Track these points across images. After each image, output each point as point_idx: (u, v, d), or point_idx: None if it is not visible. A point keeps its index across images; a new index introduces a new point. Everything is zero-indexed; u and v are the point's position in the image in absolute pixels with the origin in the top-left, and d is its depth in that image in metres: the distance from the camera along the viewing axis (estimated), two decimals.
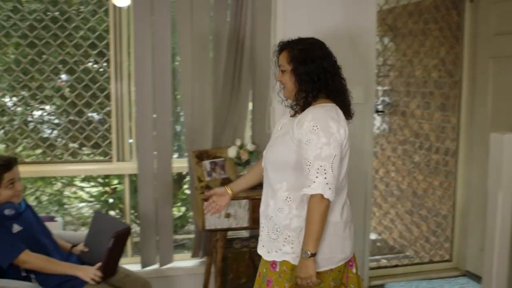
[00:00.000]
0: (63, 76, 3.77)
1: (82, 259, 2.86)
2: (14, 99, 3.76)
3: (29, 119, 3.76)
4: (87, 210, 4.64)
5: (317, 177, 2.15)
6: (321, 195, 2.15)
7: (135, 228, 3.94)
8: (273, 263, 2.32)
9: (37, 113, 3.82)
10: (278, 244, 2.30)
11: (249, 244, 3.59)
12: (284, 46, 2.33)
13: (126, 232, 2.77)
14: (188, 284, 3.75)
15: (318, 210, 2.16)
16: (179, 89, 3.67)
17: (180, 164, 3.74)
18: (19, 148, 3.87)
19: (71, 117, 3.74)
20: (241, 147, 3.47)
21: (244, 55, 3.49)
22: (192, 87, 3.49)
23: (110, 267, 2.74)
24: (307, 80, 2.25)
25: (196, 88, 3.50)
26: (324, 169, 2.15)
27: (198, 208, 3.33)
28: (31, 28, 3.55)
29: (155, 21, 3.39)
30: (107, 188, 4.59)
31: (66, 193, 4.63)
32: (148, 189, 3.54)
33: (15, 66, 3.58)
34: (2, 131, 3.73)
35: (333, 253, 2.32)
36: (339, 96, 2.31)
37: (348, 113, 2.36)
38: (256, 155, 3.54)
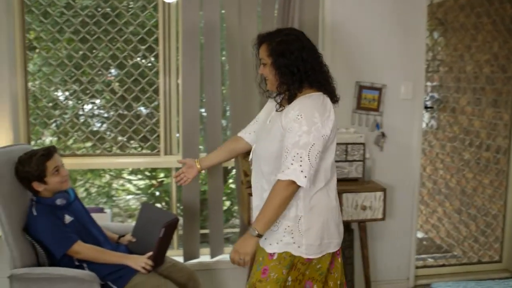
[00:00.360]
0: (113, 71, 3.84)
1: (130, 249, 2.92)
2: (66, 93, 3.85)
3: (80, 112, 3.86)
4: (134, 202, 4.73)
5: (292, 163, 2.15)
6: (290, 182, 2.15)
7: (181, 221, 3.97)
8: (272, 253, 2.33)
9: (87, 107, 3.91)
10: (278, 235, 2.31)
11: None
12: (263, 39, 2.33)
13: (175, 223, 2.81)
14: (231, 278, 3.78)
15: (281, 195, 2.18)
16: (226, 84, 3.68)
17: None
18: (70, 141, 3.97)
19: (120, 111, 3.81)
20: None
21: None
22: (238, 81, 3.50)
23: (159, 257, 2.79)
24: (287, 73, 2.25)
25: (242, 83, 3.51)
26: (300, 157, 2.15)
27: (244, 202, 3.35)
28: (83, 24, 3.64)
29: (204, 16, 3.41)
30: (153, 181, 4.66)
31: (114, 185, 4.72)
32: (192, 183, 3.56)
33: (67, 61, 3.68)
34: (54, 124, 3.84)
35: (330, 238, 2.37)
36: (323, 85, 2.31)
37: (333, 99, 2.36)
38: None
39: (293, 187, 2.18)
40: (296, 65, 2.24)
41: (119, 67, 3.77)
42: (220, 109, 3.54)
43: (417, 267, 4.08)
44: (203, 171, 2.93)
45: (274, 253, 2.33)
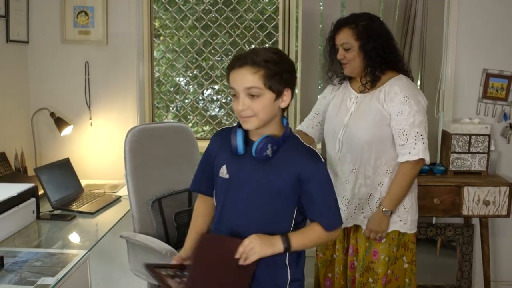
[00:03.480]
0: (231, 57, 3.94)
1: None
2: (188, 78, 4.01)
3: (200, 97, 4.00)
4: None
5: (416, 143, 2.28)
6: (418, 160, 2.29)
7: None
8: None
9: (207, 92, 4.05)
10: None
11: None
12: (344, 23, 2.35)
13: None
14: None
15: (411, 175, 2.32)
16: None
17: None
18: (190, 124, 4.14)
19: None
20: None
21: (415, 35, 3.36)
22: None
23: None
24: (375, 55, 2.30)
25: None
26: (421, 135, 2.29)
27: None
28: (205, 11, 3.76)
29: (323, 4, 3.39)
30: None
31: None
32: None
33: (190, 47, 3.83)
34: (175, 108, 4.02)
35: (416, 215, 2.49)
36: (402, 67, 2.41)
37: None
38: None
39: (420, 165, 2.33)
40: (383, 48, 2.31)
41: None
42: None
43: None
44: None
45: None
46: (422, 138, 2.29)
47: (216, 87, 4.00)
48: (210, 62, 3.86)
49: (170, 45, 3.89)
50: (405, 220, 2.41)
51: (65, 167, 3.16)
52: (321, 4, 3.43)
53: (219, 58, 3.86)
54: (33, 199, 2.63)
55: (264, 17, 3.76)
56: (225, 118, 4.02)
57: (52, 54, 3.60)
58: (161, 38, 3.94)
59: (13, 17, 3.34)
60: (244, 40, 3.79)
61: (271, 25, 3.75)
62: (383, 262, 2.41)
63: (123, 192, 3.25)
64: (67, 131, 3.53)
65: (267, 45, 3.83)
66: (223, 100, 3.98)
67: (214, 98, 4.05)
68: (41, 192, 2.81)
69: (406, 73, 2.41)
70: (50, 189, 2.89)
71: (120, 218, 2.78)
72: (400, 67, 2.39)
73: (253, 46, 3.82)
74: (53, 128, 3.56)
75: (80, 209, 2.85)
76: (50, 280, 1.93)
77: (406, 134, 2.29)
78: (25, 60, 3.59)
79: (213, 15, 3.76)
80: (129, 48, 3.57)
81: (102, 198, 3.08)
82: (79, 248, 2.30)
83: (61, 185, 3.02)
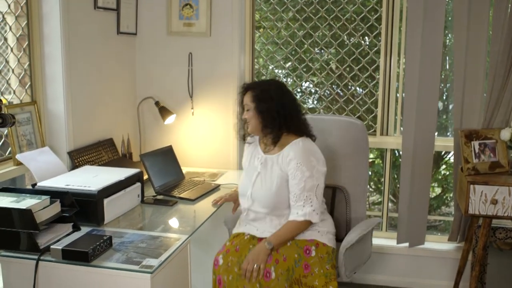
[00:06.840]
0: (331, 50, 3.89)
1: None
2: (287, 70, 4.02)
3: (298, 89, 4.00)
4: None
5: (304, 206, 2.49)
6: (306, 221, 2.49)
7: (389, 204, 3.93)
8: (307, 249, 2.53)
9: (305, 85, 4.04)
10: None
11: None
12: (248, 87, 2.61)
13: None
14: (438, 267, 3.64)
15: (298, 230, 2.52)
16: (452, 66, 3.49)
17: (438, 142, 3.60)
18: None
19: (338, 90, 3.86)
20: None
21: None
22: (465, 64, 3.30)
23: None
24: (269, 116, 2.52)
25: (469, 65, 3.30)
26: (310, 199, 2.49)
27: (462, 190, 3.17)
28: (306, 3, 3.75)
29: None
30: None
31: None
32: (408, 166, 3.49)
33: (290, 39, 3.83)
34: None
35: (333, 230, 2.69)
36: (301, 130, 2.60)
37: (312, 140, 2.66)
38: None
39: (306, 225, 2.53)
40: (277, 110, 2.52)
41: (339, 46, 3.81)
42: (437, 91, 3.38)
43: None
44: None
45: (309, 250, 2.54)
46: (311, 202, 2.49)
47: (315, 79, 3.98)
48: (309, 55, 3.84)
49: (271, 37, 3.91)
50: (322, 231, 2.59)
51: (168, 154, 3.29)
52: None
53: (318, 51, 3.83)
54: (138, 184, 2.76)
55: (367, 9, 3.68)
56: (322, 110, 3.99)
57: (158, 46, 3.74)
58: (261, 30, 3.98)
59: (124, 10, 3.52)
60: (345, 33, 3.74)
61: (374, 17, 3.67)
62: (318, 274, 2.52)
63: (221, 180, 3.34)
64: (170, 119, 3.66)
65: (367, 38, 3.77)
66: (321, 93, 3.96)
67: (313, 90, 4.03)
68: (145, 177, 2.94)
69: (309, 135, 2.62)
70: (154, 175, 3.02)
71: (219, 206, 2.85)
72: (302, 130, 2.60)
73: (352, 39, 3.76)
74: (157, 117, 3.72)
75: (181, 195, 2.95)
76: (154, 262, 2.01)
77: (297, 197, 2.50)
78: (133, 51, 3.76)
79: (314, 7, 3.74)
80: (231, 40, 3.64)
81: (202, 185, 3.18)
82: (180, 233, 2.39)
83: (164, 171, 3.15)
